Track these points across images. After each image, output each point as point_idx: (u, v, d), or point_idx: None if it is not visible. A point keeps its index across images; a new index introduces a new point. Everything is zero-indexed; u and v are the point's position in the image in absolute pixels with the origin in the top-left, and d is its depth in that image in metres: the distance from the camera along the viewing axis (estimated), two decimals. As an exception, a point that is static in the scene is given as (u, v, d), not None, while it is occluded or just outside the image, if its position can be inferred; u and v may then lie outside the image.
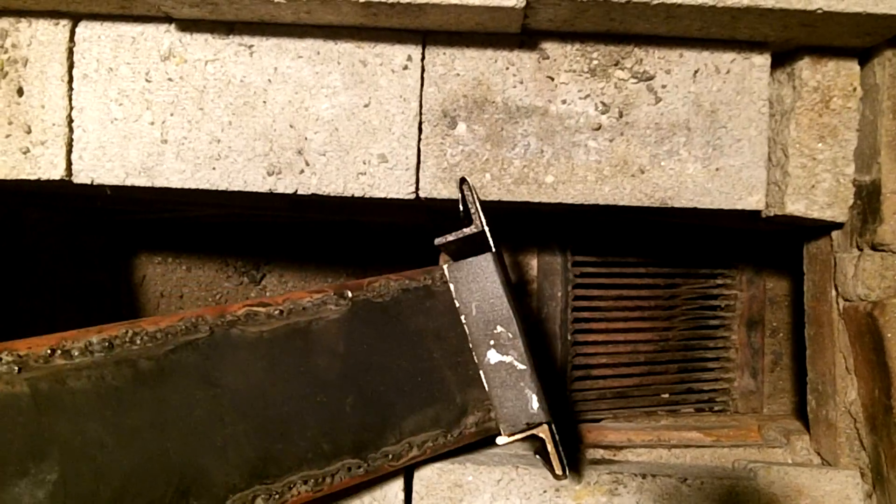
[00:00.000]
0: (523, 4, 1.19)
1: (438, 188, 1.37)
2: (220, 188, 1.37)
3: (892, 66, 1.32)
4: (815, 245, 1.53)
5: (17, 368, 0.99)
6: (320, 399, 1.17)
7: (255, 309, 1.16)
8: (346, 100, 1.36)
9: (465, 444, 1.27)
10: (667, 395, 1.87)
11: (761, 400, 1.94)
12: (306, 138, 1.36)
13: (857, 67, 1.38)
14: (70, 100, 1.36)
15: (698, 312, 1.93)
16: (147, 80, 1.36)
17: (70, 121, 1.36)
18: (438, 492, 1.31)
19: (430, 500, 1.31)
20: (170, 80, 1.36)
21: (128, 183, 1.36)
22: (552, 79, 1.37)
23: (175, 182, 1.36)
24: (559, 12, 1.25)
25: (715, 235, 1.89)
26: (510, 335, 1.23)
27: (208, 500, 1.06)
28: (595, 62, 1.37)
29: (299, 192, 1.37)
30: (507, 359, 1.23)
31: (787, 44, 1.36)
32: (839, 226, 1.42)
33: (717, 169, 1.38)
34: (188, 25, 1.36)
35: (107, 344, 1.05)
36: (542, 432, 1.20)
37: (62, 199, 1.87)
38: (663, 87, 1.37)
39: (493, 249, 1.25)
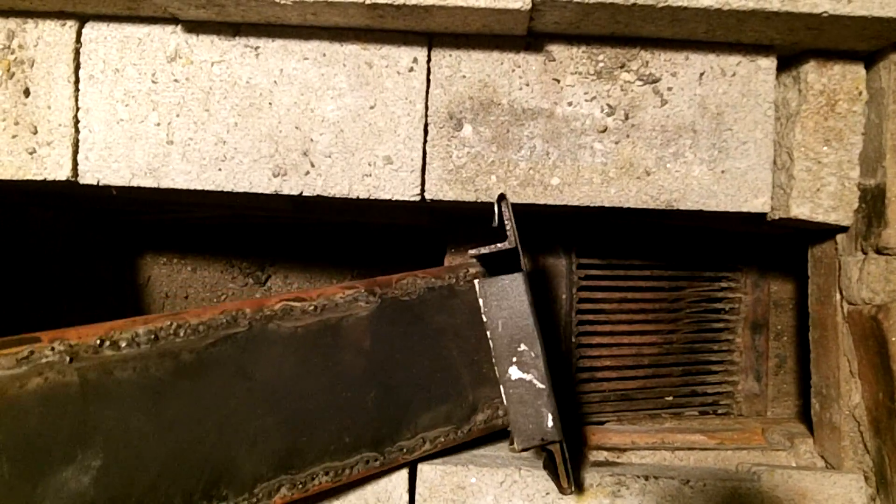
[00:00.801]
0: (529, 7, 1.19)
1: (444, 190, 1.37)
2: (225, 189, 1.37)
3: (898, 69, 1.32)
4: (819, 248, 1.53)
5: (68, 358, 1.03)
6: (345, 394, 1.22)
7: (291, 304, 1.20)
8: (352, 101, 1.36)
9: (473, 438, 1.32)
10: (671, 398, 1.86)
11: (765, 403, 1.94)
12: (312, 140, 1.36)
13: (863, 71, 1.38)
14: (76, 100, 1.36)
15: (702, 315, 1.92)
16: (153, 82, 1.36)
17: (76, 121, 1.36)
18: (441, 493, 1.31)
19: (433, 503, 1.31)
20: (176, 81, 1.36)
21: (134, 184, 1.36)
22: (558, 81, 1.37)
23: (181, 183, 1.36)
24: (565, 15, 1.25)
25: (719, 238, 1.89)
26: (533, 355, 1.28)
27: (237, 488, 1.11)
28: (601, 64, 1.37)
29: (305, 194, 1.37)
30: (528, 377, 1.27)
31: (793, 47, 1.36)
32: (844, 229, 1.42)
33: (722, 171, 1.38)
34: (194, 27, 1.36)
35: (152, 336, 1.09)
36: (554, 450, 1.25)
37: (68, 200, 1.87)
38: (669, 89, 1.37)
39: (524, 269, 1.29)
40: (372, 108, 1.36)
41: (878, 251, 1.34)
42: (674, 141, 1.37)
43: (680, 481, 1.33)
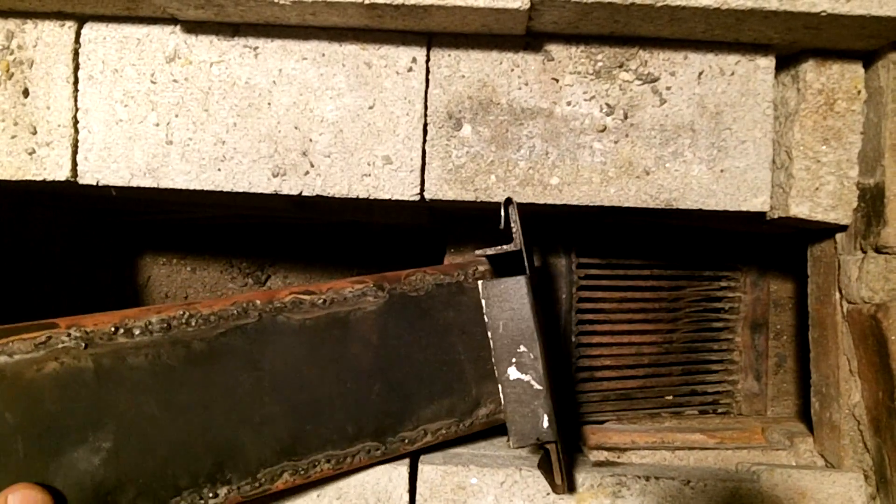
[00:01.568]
0: (528, 6, 1.19)
1: (443, 190, 1.38)
2: (224, 189, 1.37)
3: (897, 68, 1.32)
4: (818, 248, 1.53)
5: (83, 344, 1.06)
6: (350, 386, 1.24)
7: (300, 296, 1.23)
8: (351, 101, 1.36)
9: (475, 431, 1.34)
10: (671, 398, 1.86)
11: (765, 402, 1.94)
12: (311, 140, 1.36)
13: (862, 70, 1.38)
14: (75, 101, 1.36)
15: (702, 315, 1.92)
16: (152, 82, 1.36)
17: (75, 122, 1.36)
18: (442, 493, 1.31)
19: (434, 503, 1.31)
20: (175, 81, 1.36)
21: (133, 184, 1.36)
22: (557, 80, 1.37)
23: (180, 183, 1.36)
24: (564, 14, 1.26)
25: (719, 238, 1.89)
26: (532, 357, 1.28)
27: (241, 472, 1.14)
28: (600, 64, 1.37)
29: (304, 194, 1.37)
30: (526, 378, 1.29)
31: (792, 46, 1.36)
32: (843, 228, 1.42)
33: (721, 170, 1.38)
34: (193, 27, 1.36)
35: (165, 325, 1.12)
36: (550, 449, 1.26)
37: (68, 200, 1.87)
38: (668, 88, 1.37)
39: (528, 273, 1.30)
40: (371, 108, 1.36)
41: (878, 250, 1.34)
42: (673, 140, 1.38)
43: (680, 482, 1.33)
